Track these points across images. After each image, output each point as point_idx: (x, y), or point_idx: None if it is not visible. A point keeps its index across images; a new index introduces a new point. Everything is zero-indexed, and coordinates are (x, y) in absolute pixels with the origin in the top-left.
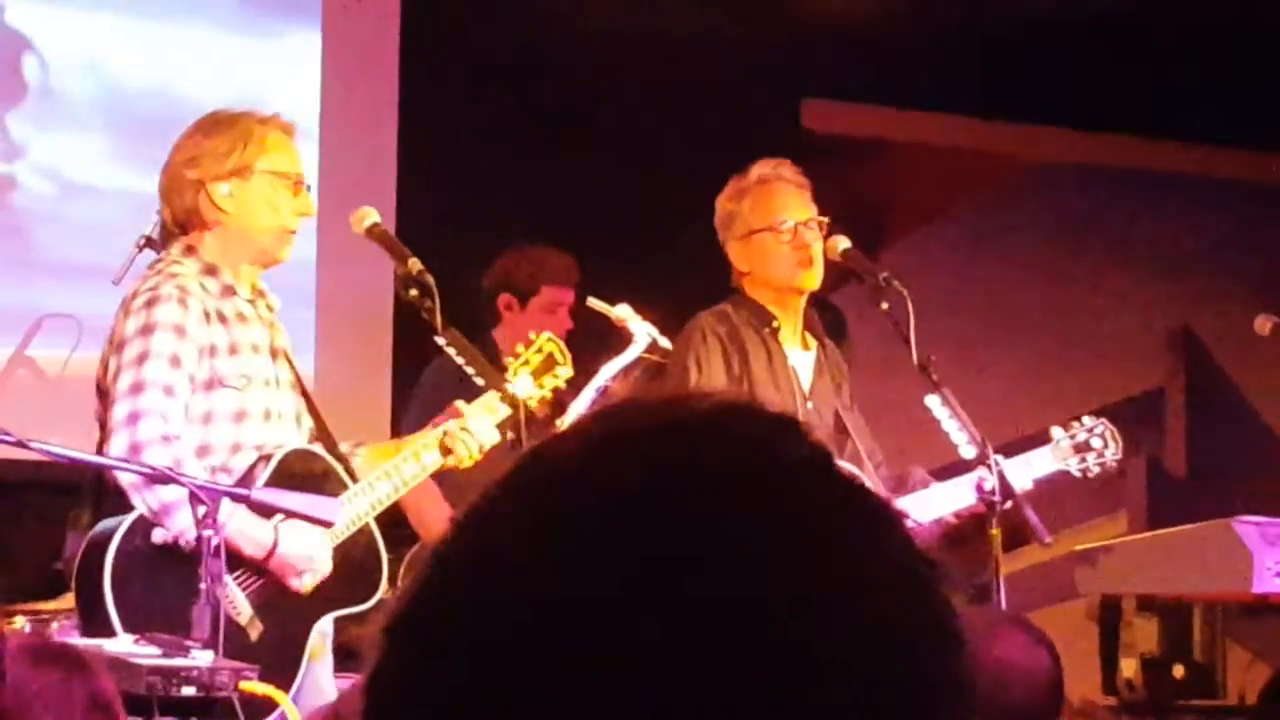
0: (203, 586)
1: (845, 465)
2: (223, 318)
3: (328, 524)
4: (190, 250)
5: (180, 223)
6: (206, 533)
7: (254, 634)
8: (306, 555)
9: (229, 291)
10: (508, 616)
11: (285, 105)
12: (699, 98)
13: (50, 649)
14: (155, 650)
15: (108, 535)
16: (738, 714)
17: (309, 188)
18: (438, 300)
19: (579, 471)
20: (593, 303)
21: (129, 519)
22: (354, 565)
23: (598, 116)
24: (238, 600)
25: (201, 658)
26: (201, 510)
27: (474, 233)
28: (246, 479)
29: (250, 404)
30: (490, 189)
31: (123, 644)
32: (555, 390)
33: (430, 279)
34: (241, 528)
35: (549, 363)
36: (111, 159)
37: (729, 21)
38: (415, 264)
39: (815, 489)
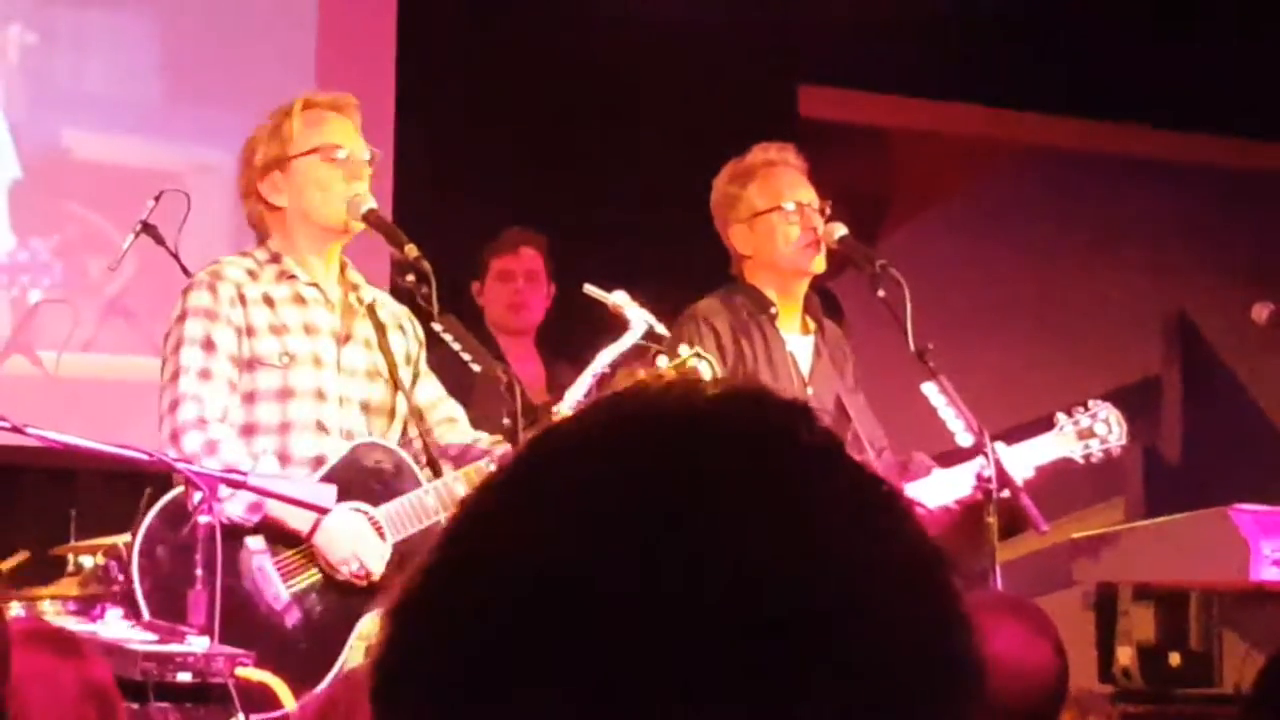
0: (198, 573)
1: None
2: (269, 300)
3: (323, 510)
4: (261, 242)
5: (256, 225)
6: (203, 519)
7: (290, 620)
8: (347, 542)
9: (285, 276)
10: (511, 600)
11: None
12: (696, 84)
13: (42, 632)
14: (151, 635)
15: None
16: (753, 701)
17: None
18: (434, 286)
19: (587, 458)
20: (589, 289)
21: (159, 504)
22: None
23: (593, 103)
24: (276, 584)
25: (197, 643)
26: (198, 496)
27: (470, 218)
28: (314, 469)
29: (297, 381)
30: (485, 175)
31: (118, 629)
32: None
33: (427, 265)
34: (288, 506)
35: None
36: None
37: (726, 7)
38: (412, 250)
39: (825, 475)
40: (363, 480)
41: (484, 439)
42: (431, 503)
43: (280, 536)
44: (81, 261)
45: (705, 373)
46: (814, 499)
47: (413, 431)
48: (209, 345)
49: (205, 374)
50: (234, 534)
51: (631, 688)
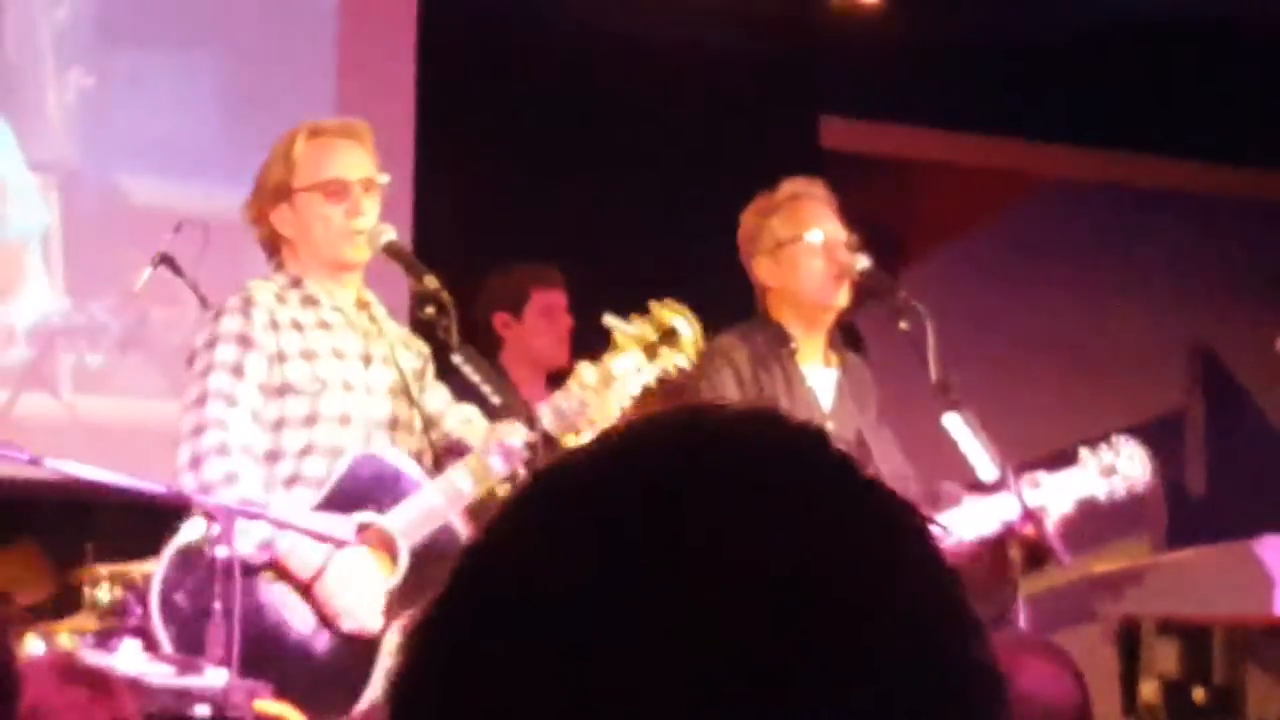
0: (216, 605)
1: None
2: (298, 326)
3: (341, 543)
4: (279, 266)
5: (266, 248)
6: (221, 551)
7: (317, 650)
8: (348, 599)
9: (310, 301)
10: (524, 629)
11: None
12: (719, 114)
13: (76, 668)
14: (169, 669)
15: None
16: (774, 713)
17: (369, 181)
18: (454, 318)
19: (598, 480)
20: (609, 320)
21: (177, 540)
22: (434, 565)
23: (616, 133)
24: (300, 610)
25: (215, 676)
26: (215, 529)
27: (491, 250)
28: (318, 487)
29: (325, 408)
30: (507, 205)
31: (136, 662)
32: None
33: (446, 296)
34: (294, 544)
35: (667, 336)
36: None
37: (748, 38)
38: (431, 281)
39: (838, 494)
40: (366, 490)
41: (489, 430)
42: (439, 502)
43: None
44: (144, 311)
45: (683, 329)
46: (826, 516)
47: (424, 444)
48: (238, 372)
49: (232, 400)
50: (255, 569)
51: (652, 712)
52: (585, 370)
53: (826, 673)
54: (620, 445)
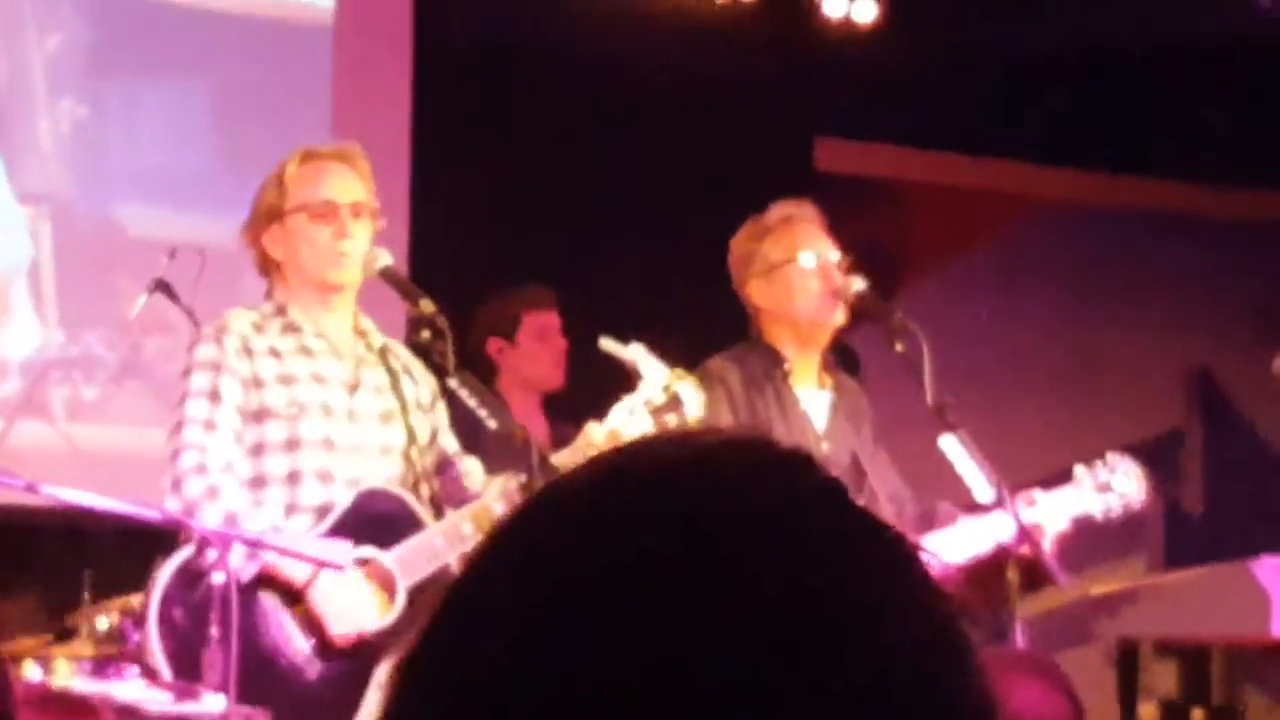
0: (213, 631)
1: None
2: (275, 353)
3: (338, 568)
4: (268, 294)
5: (262, 273)
6: (218, 577)
7: (312, 674)
8: (341, 602)
9: (291, 329)
10: (509, 659)
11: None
12: (713, 136)
13: (53, 695)
14: (166, 695)
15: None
16: None
17: (358, 205)
18: (450, 342)
19: (587, 508)
20: (605, 343)
21: (173, 563)
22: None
23: (611, 156)
24: (295, 637)
25: (212, 703)
26: (213, 554)
27: (487, 275)
28: (321, 517)
29: (305, 432)
30: (503, 230)
31: (133, 689)
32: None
33: (443, 321)
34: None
35: (674, 403)
36: None
37: (742, 60)
38: (428, 305)
39: (826, 521)
40: (370, 526)
41: (495, 481)
42: (440, 543)
43: (292, 591)
44: (138, 340)
45: (688, 396)
46: (814, 543)
47: (424, 489)
48: (214, 397)
49: (210, 425)
50: (250, 591)
51: None
52: (593, 430)
53: (817, 697)
54: (610, 472)
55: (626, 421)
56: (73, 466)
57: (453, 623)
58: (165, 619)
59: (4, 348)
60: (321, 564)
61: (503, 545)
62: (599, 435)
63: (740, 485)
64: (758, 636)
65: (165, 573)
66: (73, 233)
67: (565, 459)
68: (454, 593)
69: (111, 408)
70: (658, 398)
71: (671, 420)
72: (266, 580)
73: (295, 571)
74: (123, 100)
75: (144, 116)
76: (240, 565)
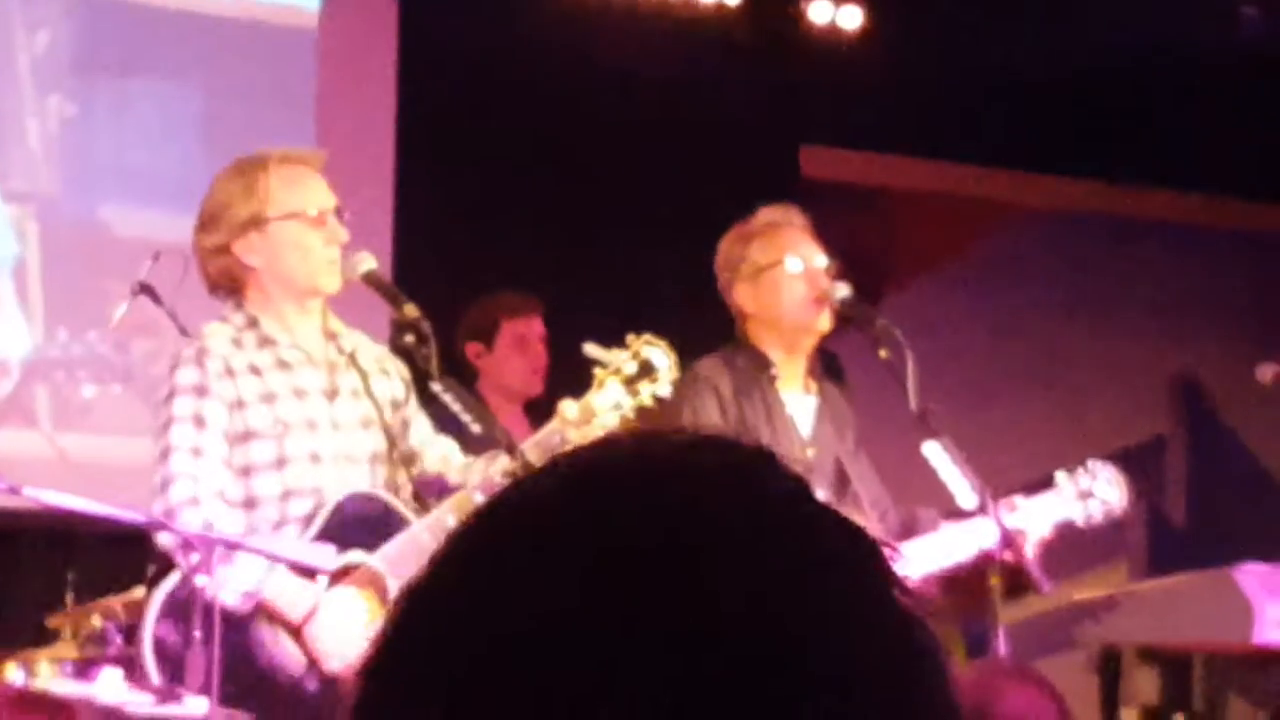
0: (196, 634)
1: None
2: (255, 370)
3: (325, 571)
4: (237, 306)
5: (218, 285)
6: (200, 581)
7: (312, 684)
8: (337, 640)
9: (267, 342)
10: (469, 653)
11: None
12: (698, 143)
13: (34, 697)
14: (148, 698)
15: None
16: None
17: (338, 210)
18: (434, 346)
19: (547, 508)
20: (589, 349)
21: (170, 580)
22: None
23: (596, 163)
24: (291, 651)
25: (195, 705)
26: (195, 558)
27: (472, 279)
28: (305, 526)
29: (291, 449)
30: (487, 235)
31: (116, 691)
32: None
33: (426, 325)
34: (282, 588)
35: (646, 369)
36: None
37: (728, 67)
38: (411, 310)
39: (790, 517)
40: (353, 530)
41: (475, 467)
42: (426, 539)
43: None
44: (125, 343)
45: (659, 362)
46: (778, 543)
47: (402, 477)
48: (199, 422)
49: (197, 451)
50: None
51: None
52: (567, 407)
53: (778, 701)
54: (568, 474)
55: (599, 394)
56: (58, 469)
57: (410, 627)
58: (161, 649)
59: None
60: (308, 568)
61: (462, 550)
62: (573, 411)
63: (707, 483)
64: (718, 639)
65: (154, 605)
66: (57, 232)
67: (541, 439)
68: (412, 596)
69: (98, 410)
70: (629, 368)
71: (645, 388)
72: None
73: (291, 609)
74: (110, 100)
75: (132, 116)
76: (237, 605)
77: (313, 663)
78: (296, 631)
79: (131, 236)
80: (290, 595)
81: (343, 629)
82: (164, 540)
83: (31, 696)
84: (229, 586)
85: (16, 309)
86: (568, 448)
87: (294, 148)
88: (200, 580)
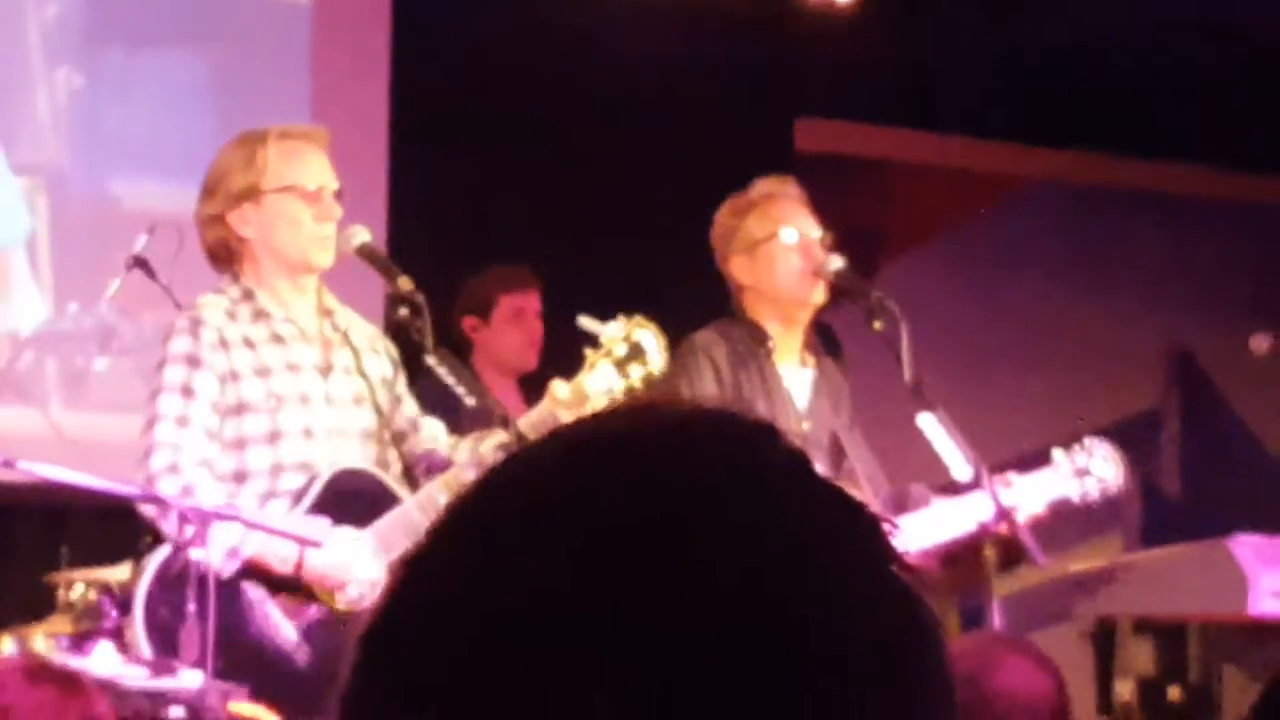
0: (190, 608)
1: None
2: (249, 343)
3: (315, 544)
4: (234, 278)
5: (215, 255)
6: (195, 554)
7: (301, 660)
8: (341, 563)
9: (262, 315)
10: (465, 632)
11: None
12: (693, 116)
13: (45, 668)
14: (143, 671)
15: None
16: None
17: (337, 192)
18: (428, 319)
19: (541, 483)
20: (584, 322)
21: (163, 551)
22: None
23: (590, 136)
24: (281, 625)
25: (190, 679)
26: (190, 531)
27: (466, 253)
28: (296, 501)
29: (284, 423)
30: (481, 208)
31: (111, 664)
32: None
33: (420, 298)
34: (265, 543)
35: (636, 351)
36: None
37: (722, 40)
38: (405, 283)
39: (789, 492)
40: (346, 506)
41: (464, 444)
42: (417, 516)
43: (274, 577)
44: (136, 317)
45: (649, 344)
46: (777, 515)
47: (393, 455)
48: (188, 392)
49: (183, 420)
50: (233, 584)
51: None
52: (559, 387)
53: (776, 681)
54: (563, 449)
55: (591, 376)
56: (62, 445)
57: (409, 599)
58: (153, 607)
59: (5, 321)
60: (302, 541)
61: (457, 526)
62: (564, 392)
63: (704, 457)
64: (713, 618)
65: (145, 577)
66: (67, 205)
67: (532, 418)
68: (409, 569)
69: (109, 383)
70: (619, 350)
71: (636, 371)
72: (249, 572)
73: (279, 562)
74: (119, 73)
75: (140, 89)
76: (221, 563)
77: (303, 634)
78: (280, 591)
79: (141, 209)
80: (274, 548)
81: (339, 555)
82: (146, 510)
83: (42, 667)
84: (214, 546)
85: (30, 282)
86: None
87: (299, 124)
88: (196, 554)
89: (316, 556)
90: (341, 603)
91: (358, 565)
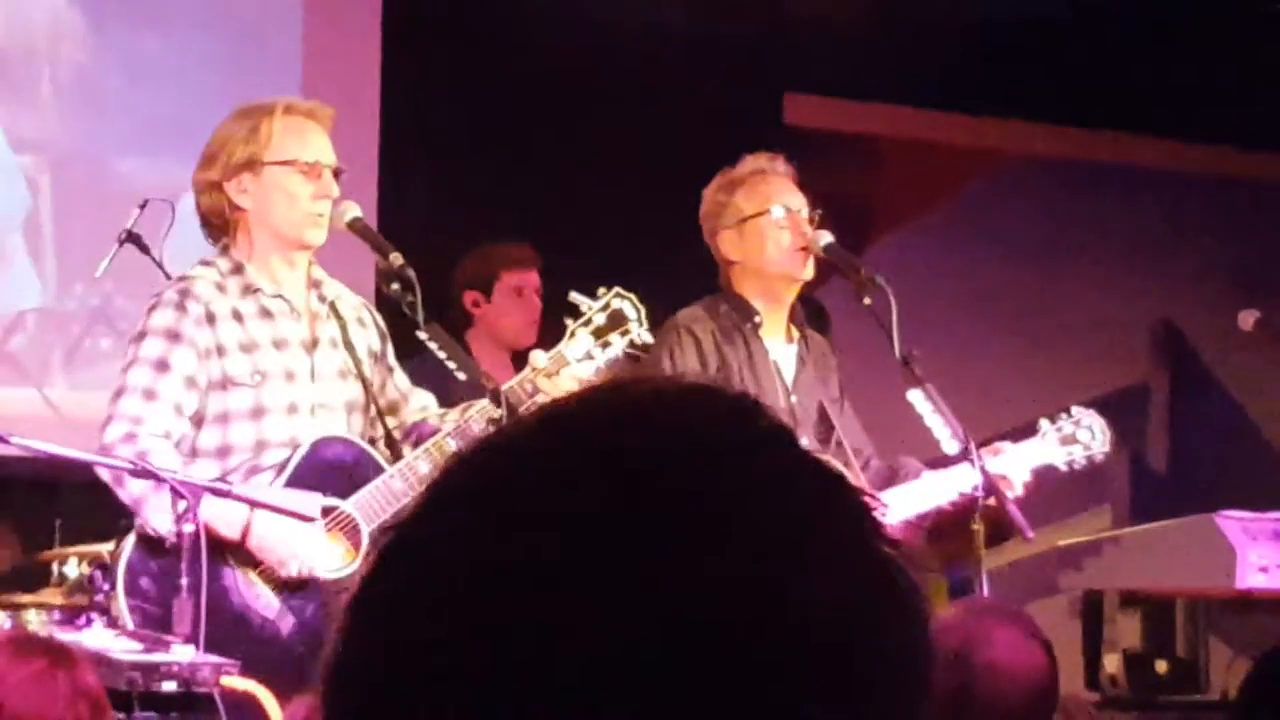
0: (184, 581)
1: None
2: (238, 316)
3: (307, 519)
4: (225, 249)
5: (210, 223)
6: (187, 528)
7: (284, 629)
8: (283, 541)
9: (250, 290)
10: (447, 599)
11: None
12: (682, 92)
13: (33, 640)
14: (136, 645)
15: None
16: (698, 694)
17: (336, 170)
18: (419, 294)
19: (526, 453)
20: (574, 297)
21: (131, 537)
22: None
23: (579, 111)
24: (263, 593)
25: (182, 653)
26: (182, 505)
27: (456, 227)
28: (279, 474)
29: (269, 399)
30: (472, 183)
31: (103, 638)
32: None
33: (411, 273)
34: (216, 510)
35: (616, 320)
36: None
37: (712, 15)
38: (397, 258)
39: (770, 464)
40: (327, 475)
41: (450, 415)
42: (399, 485)
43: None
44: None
45: (629, 313)
46: (758, 486)
47: (379, 429)
48: (162, 366)
49: (150, 394)
50: (214, 555)
51: (574, 688)
52: (539, 357)
53: (761, 652)
54: (550, 424)
55: (571, 345)
56: (64, 421)
57: (394, 567)
58: (134, 577)
59: (3, 300)
60: (293, 515)
61: (445, 496)
62: (543, 361)
63: (686, 429)
64: (696, 579)
65: (126, 547)
66: (72, 183)
67: (513, 385)
68: (396, 535)
69: (111, 363)
70: (599, 318)
71: (617, 339)
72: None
73: (227, 527)
74: (122, 50)
75: (143, 67)
76: (169, 530)
77: (285, 601)
78: (239, 550)
79: (144, 188)
80: (225, 514)
81: (283, 535)
82: (103, 475)
83: (31, 640)
84: (161, 514)
85: (27, 260)
86: (538, 396)
87: (304, 100)
88: (187, 528)
89: (260, 529)
90: (282, 575)
91: (300, 546)
